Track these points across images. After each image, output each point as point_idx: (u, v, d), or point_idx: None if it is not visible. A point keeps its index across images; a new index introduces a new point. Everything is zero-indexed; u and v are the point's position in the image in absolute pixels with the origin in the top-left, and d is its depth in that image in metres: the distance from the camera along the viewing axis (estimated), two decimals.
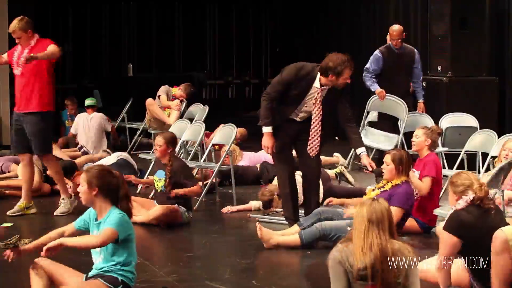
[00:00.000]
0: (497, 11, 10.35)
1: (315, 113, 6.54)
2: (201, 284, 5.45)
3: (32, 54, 7.06)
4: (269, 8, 17.87)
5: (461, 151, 8.14)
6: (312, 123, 6.56)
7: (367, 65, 9.72)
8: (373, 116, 9.87)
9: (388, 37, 9.95)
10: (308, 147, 6.62)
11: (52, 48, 7.23)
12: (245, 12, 18.09)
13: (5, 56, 7.57)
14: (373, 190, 6.38)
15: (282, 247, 6.31)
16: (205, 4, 17.90)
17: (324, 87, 6.49)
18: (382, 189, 6.28)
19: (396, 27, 9.66)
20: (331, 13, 14.32)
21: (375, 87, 9.62)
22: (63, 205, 7.58)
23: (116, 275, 4.68)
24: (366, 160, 6.51)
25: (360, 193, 7.65)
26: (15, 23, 7.38)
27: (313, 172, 6.79)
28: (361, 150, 6.56)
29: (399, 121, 9.44)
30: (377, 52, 9.73)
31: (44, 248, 4.58)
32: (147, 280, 5.48)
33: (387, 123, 9.61)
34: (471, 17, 9.85)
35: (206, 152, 9.01)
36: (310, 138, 6.59)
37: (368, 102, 9.79)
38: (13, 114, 7.63)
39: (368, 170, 6.62)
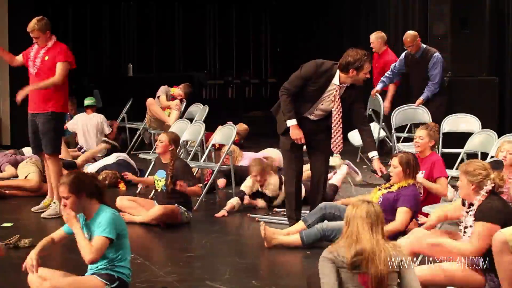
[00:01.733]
0: (497, 11, 10.33)
1: (335, 110, 6.56)
2: (201, 284, 5.44)
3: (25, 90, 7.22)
4: (269, 8, 17.88)
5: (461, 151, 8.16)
6: (333, 120, 6.59)
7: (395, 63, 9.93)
8: None
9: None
10: (332, 145, 6.65)
11: (56, 76, 7.29)
12: (245, 12, 18.10)
13: (19, 57, 7.58)
14: (379, 189, 6.37)
15: (283, 246, 6.33)
16: (205, 4, 17.91)
17: (343, 84, 6.52)
18: (388, 190, 6.28)
19: (407, 34, 9.57)
20: (331, 14, 14.32)
21: (378, 86, 10.00)
22: (52, 208, 7.52)
23: (112, 272, 4.71)
24: (377, 165, 6.54)
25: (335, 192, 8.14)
26: (34, 23, 7.37)
27: (321, 173, 6.80)
28: (373, 154, 6.60)
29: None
30: (404, 52, 9.79)
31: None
32: (147, 280, 5.48)
33: None
34: (471, 17, 9.83)
35: (206, 152, 9.02)
36: (332, 135, 6.62)
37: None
38: (28, 115, 7.62)
39: (378, 174, 6.65)
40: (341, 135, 6.64)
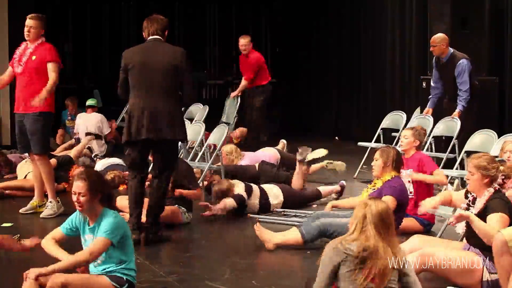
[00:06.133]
0: (497, 11, 10.34)
1: None
2: (201, 284, 5.45)
3: (41, 97, 7.20)
4: (269, 8, 17.87)
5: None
6: None
7: None
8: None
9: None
10: None
11: (52, 77, 7.38)
12: (245, 12, 18.09)
13: (7, 71, 7.58)
14: (366, 191, 6.37)
15: (283, 246, 6.34)
16: (205, 4, 17.90)
17: None
18: (373, 188, 6.28)
19: (434, 37, 9.28)
20: (330, 14, 14.34)
21: (428, 105, 9.56)
22: (49, 208, 7.54)
23: (121, 275, 4.69)
24: None
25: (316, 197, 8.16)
26: (36, 15, 7.49)
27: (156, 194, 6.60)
28: None
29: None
30: (434, 57, 9.49)
31: (36, 275, 4.49)
32: (147, 280, 5.48)
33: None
34: (471, 17, 9.84)
35: (200, 153, 9.01)
36: None
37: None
38: (15, 116, 7.64)
39: None
40: None
